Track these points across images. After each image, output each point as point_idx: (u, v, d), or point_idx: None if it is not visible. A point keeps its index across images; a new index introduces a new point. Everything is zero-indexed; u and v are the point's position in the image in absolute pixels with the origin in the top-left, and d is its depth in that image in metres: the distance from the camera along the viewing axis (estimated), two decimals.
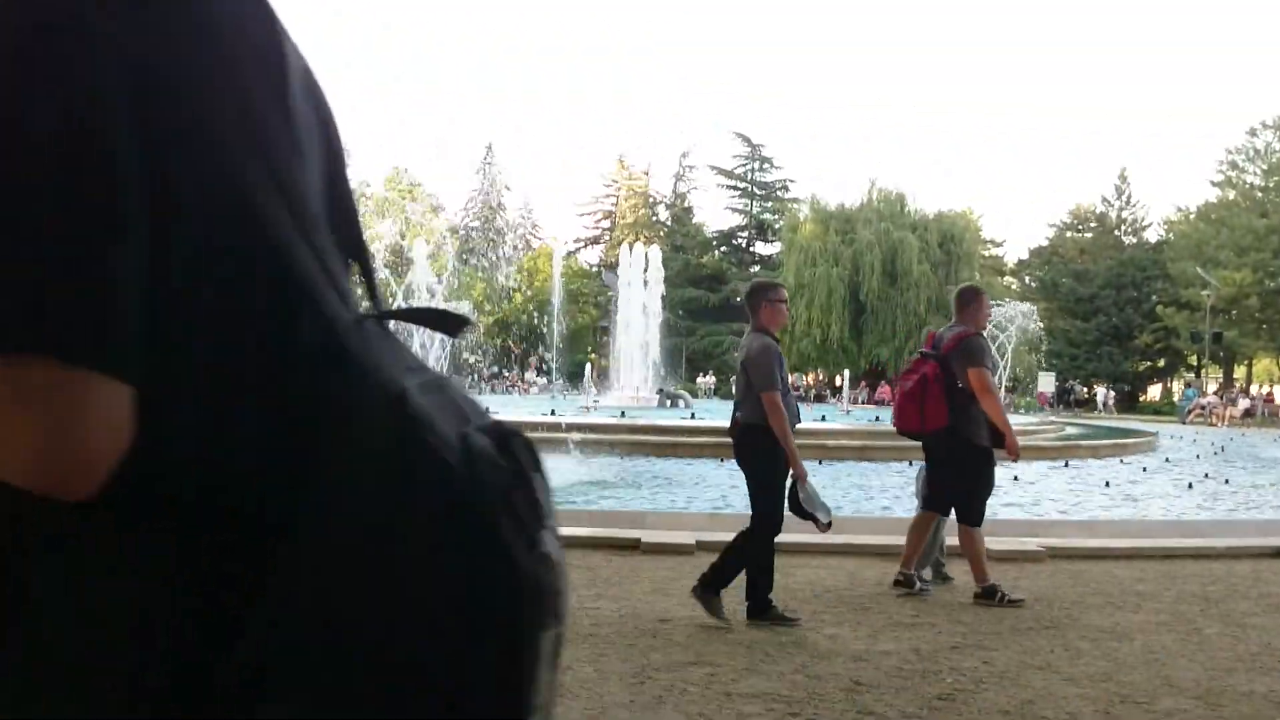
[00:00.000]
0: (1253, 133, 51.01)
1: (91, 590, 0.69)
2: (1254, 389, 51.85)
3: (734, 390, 5.88)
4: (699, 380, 51.70)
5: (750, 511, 5.58)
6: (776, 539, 5.53)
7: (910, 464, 14.78)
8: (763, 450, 5.44)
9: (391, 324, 0.83)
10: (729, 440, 5.88)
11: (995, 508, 10.11)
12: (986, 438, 6.13)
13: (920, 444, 6.48)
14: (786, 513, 5.50)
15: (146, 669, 0.68)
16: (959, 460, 6.16)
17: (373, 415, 0.73)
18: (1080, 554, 7.66)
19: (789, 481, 5.47)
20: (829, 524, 5.58)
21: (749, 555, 5.46)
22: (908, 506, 10.39)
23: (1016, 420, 18.98)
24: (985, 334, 6.53)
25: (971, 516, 6.18)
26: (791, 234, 52.38)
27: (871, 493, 11.92)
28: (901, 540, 7.78)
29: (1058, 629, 5.47)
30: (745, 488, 5.71)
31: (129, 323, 0.66)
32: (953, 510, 6.31)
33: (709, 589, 5.35)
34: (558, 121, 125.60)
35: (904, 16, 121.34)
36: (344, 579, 0.70)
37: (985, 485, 6.27)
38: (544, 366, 46.31)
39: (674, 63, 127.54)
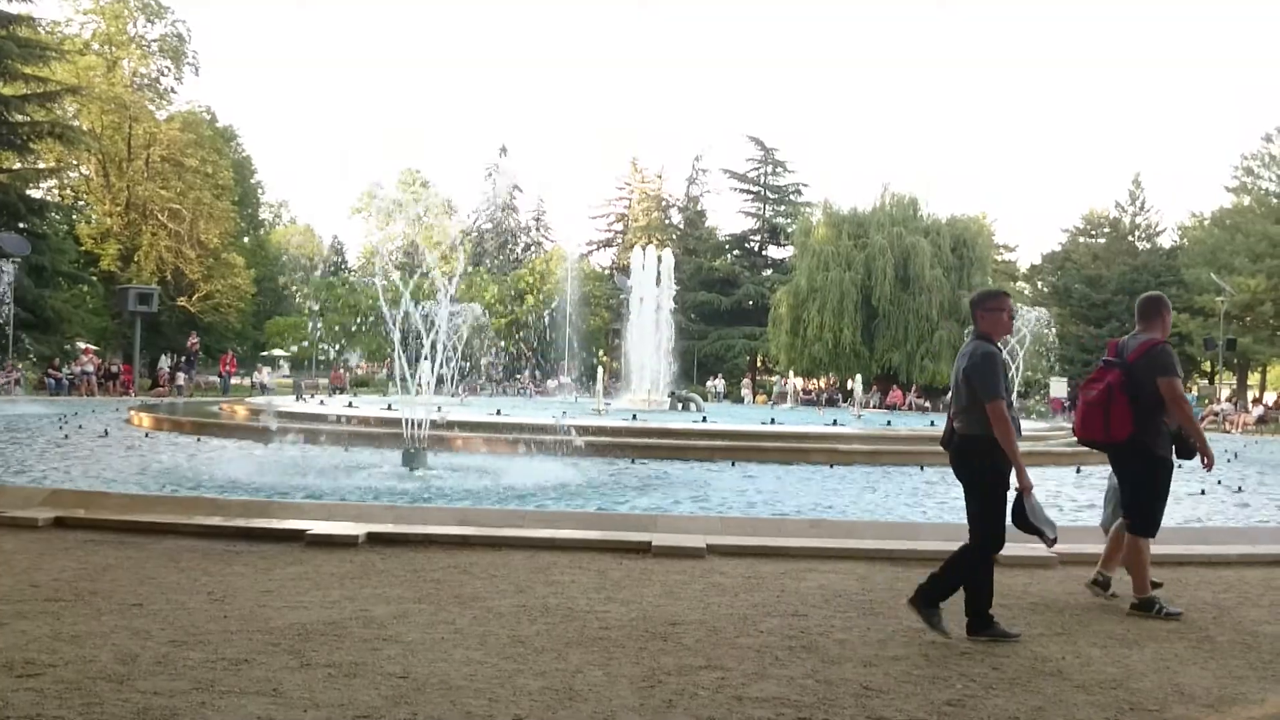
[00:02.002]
0: (1268, 139, 50.77)
1: None
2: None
3: (950, 399, 5.60)
4: (710, 384, 51.68)
5: (968, 524, 5.41)
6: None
7: (921, 468, 14.82)
8: (988, 463, 5.27)
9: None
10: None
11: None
12: (1167, 448, 6.04)
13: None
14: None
15: None
16: (1137, 470, 6.08)
17: None
18: (1092, 560, 7.58)
19: (1013, 495, 5.27)
20: (1055, 539, 5.35)
21: (965, 569, 5.33)
22: (919, 510, 10.40)
23: (1028, 425, 19.00)
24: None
25: (1146, 527, 6.08)
26: (804, 238, 52.25)
27: (883, 497, 11.89)
28: (911, 545, 7.77)
29: (1068, 635, 5.46)
30: (965, 501, 5.47)
31: None
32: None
33: (928, 602, 5.27)
34: (570, 124, 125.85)
35: (916, 21, 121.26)
36: None
37: (1161, 496, 6.12)
38: (566, 369, 46.36)
39: (687, 66, 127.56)
